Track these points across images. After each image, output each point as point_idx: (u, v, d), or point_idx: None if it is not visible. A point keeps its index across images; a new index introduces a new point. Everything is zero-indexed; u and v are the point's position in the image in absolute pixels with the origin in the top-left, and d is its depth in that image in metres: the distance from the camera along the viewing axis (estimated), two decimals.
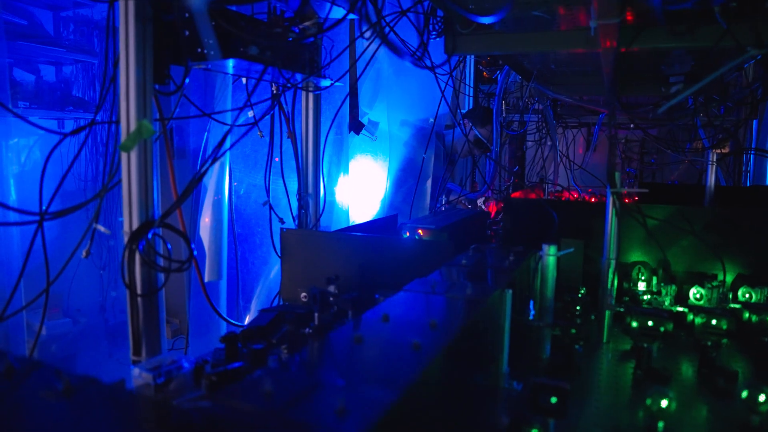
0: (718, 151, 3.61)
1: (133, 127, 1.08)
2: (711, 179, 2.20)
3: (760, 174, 3.86)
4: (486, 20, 1.22)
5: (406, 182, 2.58)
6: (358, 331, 0.77)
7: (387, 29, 1.34)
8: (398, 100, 2.67)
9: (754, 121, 3.91)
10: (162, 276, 1.15)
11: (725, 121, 3.89)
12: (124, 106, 1.09)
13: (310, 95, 1.66)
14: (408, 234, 1.74)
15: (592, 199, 4.14)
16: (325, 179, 2.13)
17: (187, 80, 1.11)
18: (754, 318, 1.30)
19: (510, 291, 1.08)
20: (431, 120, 2.73)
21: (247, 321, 1.83)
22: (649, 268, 1.65)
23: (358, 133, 2.64)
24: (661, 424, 0.84)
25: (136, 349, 1.13)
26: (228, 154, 1.94)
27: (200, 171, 1.11)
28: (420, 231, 1.77)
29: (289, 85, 1.43)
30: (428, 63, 1.45)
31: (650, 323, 1.21)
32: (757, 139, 3.83)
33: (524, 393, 1.10)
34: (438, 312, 0.89)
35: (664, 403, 0.83)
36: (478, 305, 0.92)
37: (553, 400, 0.80)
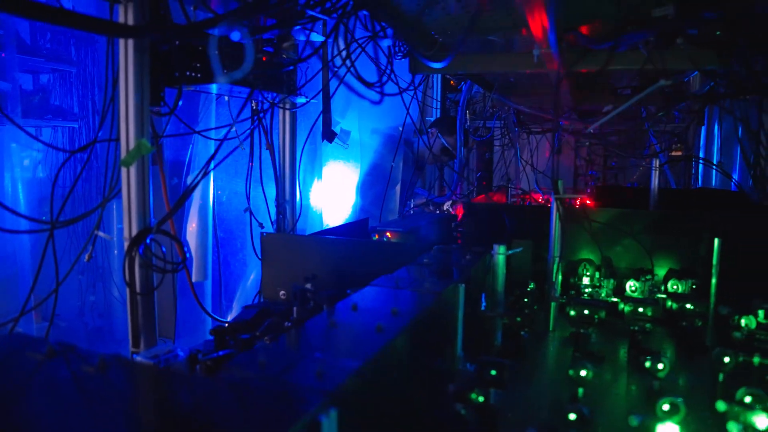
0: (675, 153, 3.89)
1: (132, 145, 1.22)
2: (654, 183, 2.43)
3: (708, 176, 4.15)
4: (436, 65, 1.40)
5: (375, 187, 2.74)
6: (331, 318, 0.93)
7: (355, 54, 1.50)
8: (369, 109, 2.83)
9: (702, 128, 4.21)
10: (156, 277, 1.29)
11: (676, 128, 4.19)
12: (123, 126, 1.23)
13: (287, 111, 1.81)
14: (377, 236, 1.91)
15: (551, 199, 4.38)
16: (301, 185, 2.28)
17: (180, 101, 1.26)
18: (674, 306, 1.50)
19: (463, 285, 1.25)
20: (400, 128, 2.91)
21: (230, 318, 1.96)
22: (594, 265, 1.85)
23: (331, 141, 2.80)
24: (581, 390, 1.02)
25: (135, 342, 1.27)
26: (212, 165, 2.08)
27: (193, 182, 1.26)
28: (388, 234, 1.94)
29: (268, 103, 1.58)
30: (394, 85, 1.62)
31: (586, 311, 1.40)
32: (706, 145, 4.12)
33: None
34: (399, 302, 1.05)
35: (583, 372, 1.01)
36: (432, 297, 1.09)
37: (493, 372, 0.98)
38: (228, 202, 2.18)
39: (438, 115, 3.69)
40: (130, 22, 1.18)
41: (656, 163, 2.45)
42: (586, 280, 1.78)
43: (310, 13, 1.14)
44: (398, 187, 2.82)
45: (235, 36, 0.94)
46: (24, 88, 3.39)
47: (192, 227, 2.00)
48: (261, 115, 1.73)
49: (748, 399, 0.91)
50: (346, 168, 2.90)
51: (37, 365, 0.71)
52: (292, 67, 1.57)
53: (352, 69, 1.25)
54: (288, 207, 1.85)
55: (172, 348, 1.22)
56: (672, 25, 1.17)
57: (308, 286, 1.53)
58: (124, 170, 1.25)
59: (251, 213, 1.81)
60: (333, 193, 2.88)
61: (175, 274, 1.56)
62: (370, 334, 0.86)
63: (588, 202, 3.76)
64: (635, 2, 1.16)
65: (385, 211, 2.76)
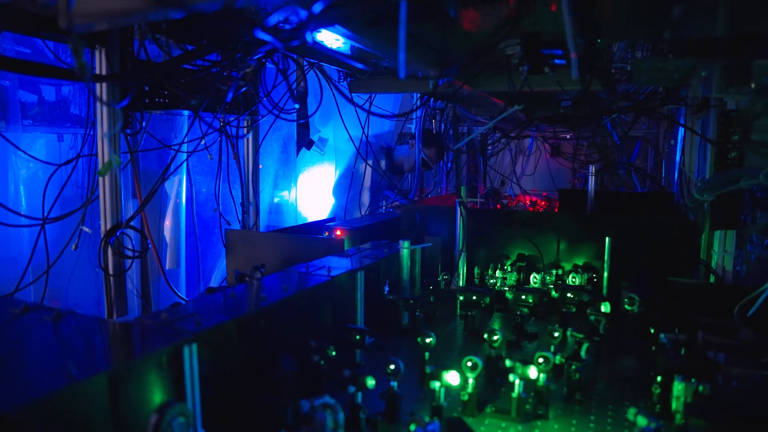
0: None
1: (106, 159, 1.58)
2: (591, 186, 2.69)
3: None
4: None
5: (348, 189, 3.06)
6: (234, 291, 1.26)
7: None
8: (347, 119, 3.16)
9: (680, 134, 4.40)
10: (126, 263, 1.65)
11: (648, 134, 4.40)
12: (100, 145, 1.59)
13: (251, 127, 2.15)
14: (327, 234, 2.23)
15: (542, 203, 4.64)
16: (272, 188, 2.63)
17: (144, 123, 1.61)
18: (556, 295, 1.79)
19: (362, 272, 1.57)
20: (372, 138, 3.24)
21: None
22: (509, 260, 2.15)
23: (309, 148, 3.15)
24: (426, 354, 1.32)
25: (109, 313, 1.63)
26: (185, 170, 2.46)
27: (153, 188, 1.61)
28: (338, 231, 2.26)
29: (227, 121, 1.93)
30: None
31: (474, 297, 1.70)
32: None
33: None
34: (295, 282, 1.38)
35: (428, 340, 1.32)
36: (326, 279, 1.41)
37: (357, 337, 1.29)
38: (206, 203, 2.54)
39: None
40: (104, 65, 1.54)
41: (592, 169, 2.71)
42: (498, 273, 2.07)
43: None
44: (367, 190, 3.14)
45: None
46: (47, 99, 3.83)
47: (167, 223, 2.38)
48: (227, 129, 2.07)
49: (540, 360, 1.20)
50: (324, 172, 3.24)
51: (13, 315, 1.06)
52: (246, 88, 1.89)
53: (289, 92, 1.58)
54: (251, 207, 2.19)
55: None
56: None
57: (257, 274, 1.87)
58: (101, 179, 1.60)
59: (220, 213, 2.16)
60: (314, 195, 3.23)
61: (158, 263, 1.94)
62: (254, 301, 1.18)
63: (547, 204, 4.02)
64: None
65: (356, 211, 3.09)
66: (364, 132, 2.21)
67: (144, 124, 1.64)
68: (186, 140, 1.89)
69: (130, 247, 1.64)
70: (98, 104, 1.57)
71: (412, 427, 0.84)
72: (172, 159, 1.64)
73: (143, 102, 1.68)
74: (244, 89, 1.84)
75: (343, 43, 1.59)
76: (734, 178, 1.41)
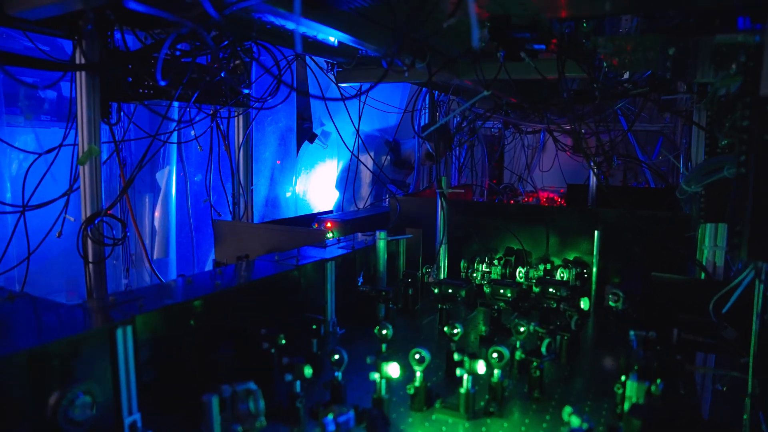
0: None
1: (86, 148, 1.61)
2: (592, 182, 2.62)
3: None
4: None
5: (346, 182, 3.06)
6: (193, 277, 1.27)
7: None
8: (353, 114, 3.15)
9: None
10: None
11: (664, 128, 4.25)
12: (80, 134, 1.62)
13: (240, 117, 2.16)
14: (317, 225, 2.23)
15: (558, 198, 4.54)
16: (267, 180, 2.64)
17: (122, 113, 1.64)
18: (537, 290, 1.74)
19: (332, 263, 1.56)
20: (377, 132, 3.22)
21: None
22: (498, 254, 2.10)
23: (311, 142, 3.16)
24: (384, 346, 1.30)
25: (90, 298, 1.66)
26: (174, 161, 2.50)
27: (130, 178, 1.64)
28: (328, 223, 2.26)
29: (226, 111, 1.95)
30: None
31: (450, 290, 1.67)
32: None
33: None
34: (257, 270, 1.38)
35: (384, 331, 1.30)
36: (289, 269, 1.41)
37: (314, 326, 1.28)
38: (200, 194, 2.58)
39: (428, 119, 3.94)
40: (83, 56, 1.57)
41: (593, 163, 2.62)
42: (483, 267, 2.03)
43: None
44: (368, 182, 3.13)
45: None
46: (65, 95, 3.95)
47: (157, 214, 2.42)
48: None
49: (494, 355, 1.16)
50: (329, 165, 3.25)
51: None
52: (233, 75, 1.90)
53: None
54: (242, 199, 2.21)
55: None
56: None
57: (243, 262, 1.88)
58: (81, 168, 1.63)
59: (211, 204, 2.19)
60: (318, 187, 3.25)
61: (144, 252, 1.97)
62: (204, 288, 1.19)
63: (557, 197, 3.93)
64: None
65: (354, 204, 3.09)
66: (355, 127, 2.20)
67: (122, 114, 1.66)
68: (171, 130, 1.91)
69: (111, 235, 1.67)
70: (77, 95, 1.60)
71: (330, 416, 0.83)
72: (148, 147, 1.66)
73: (123, 93, 1.71)
74: (219, 77, 1.85)
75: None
76: (717, 166, 1.33)
